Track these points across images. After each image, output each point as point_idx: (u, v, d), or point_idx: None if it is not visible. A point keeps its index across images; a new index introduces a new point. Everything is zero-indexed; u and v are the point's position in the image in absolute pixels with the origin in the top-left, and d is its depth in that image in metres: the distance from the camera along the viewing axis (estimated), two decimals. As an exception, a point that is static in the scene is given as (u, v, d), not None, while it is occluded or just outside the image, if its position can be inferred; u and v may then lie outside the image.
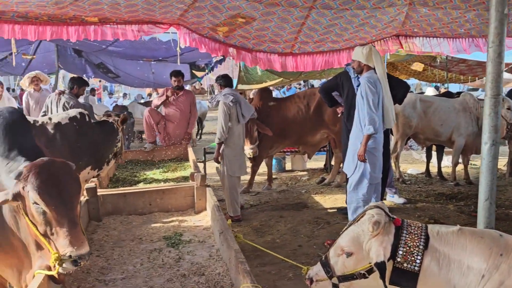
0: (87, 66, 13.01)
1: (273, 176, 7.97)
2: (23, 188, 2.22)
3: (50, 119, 4.85)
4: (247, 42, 7.45)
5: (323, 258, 2.72)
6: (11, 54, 12.00)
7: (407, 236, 2.38)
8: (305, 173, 8.09)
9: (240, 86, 13.96)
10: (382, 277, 2.30)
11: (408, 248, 2.33)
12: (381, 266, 2.31)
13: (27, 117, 4.95)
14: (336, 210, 5.81)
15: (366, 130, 4.46)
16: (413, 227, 2.41)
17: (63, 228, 2.18)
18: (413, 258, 2.32)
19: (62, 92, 6.30)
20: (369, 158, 4.54)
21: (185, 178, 5.52)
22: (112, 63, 12.66)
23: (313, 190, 6.91)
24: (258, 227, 5.42)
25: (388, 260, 2.31)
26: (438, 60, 11.20)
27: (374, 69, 4.67)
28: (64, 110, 5.83)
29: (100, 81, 18.18)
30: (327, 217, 5.58)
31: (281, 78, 15.19)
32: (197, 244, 3.71)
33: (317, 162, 9.00)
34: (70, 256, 2.17)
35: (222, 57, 12.70)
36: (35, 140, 2.75)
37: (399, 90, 5.07)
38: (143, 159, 6.73)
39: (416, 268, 2.31)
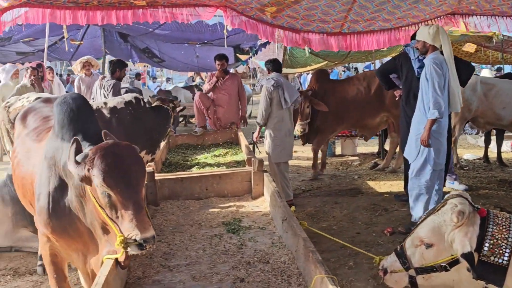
0: (132, 51, 13.11)
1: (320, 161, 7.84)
2: (88, 170, 2.19)
3: (105, 103, 4.85)
4: (295, 23, 7.26)
5: (398, 249, 2.58)
6: (60, 39, 12.25)
7: (494, 227, 2.22)
8: (355, 158, 7.89)
9: (285, 70, 13.77)
10: (472, 267, 2.15)
11: (495, 240, 2.18)
12: (469, 257, 2.17)
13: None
14: (393, 196, 5.61)
15: (431, 114, 4.24)
16: (500, 218, 2.25)
17: (128, 211, 2.14)
18: (501, 251, 2.16)
19: (104, 77, 6.36)
20: (433, 143, 4.33)
21: (238, 163, 5.44)
22: (157, 48, 12.70)
23: (366, 176, 6.72)
24: (313, 213, 5.30)
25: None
26: (494, 40, 10.65)
27: (439, 50, 4.42)
28: (105, 94, 5.90)
29: (144, 66, 18.31)
30: (384, 204, 5.40)
31: (326, 62, 14.91)
32: (257, 230, 3.62)
33: (368, 147, 8.78)
34: (135, 240, 2.13)
35: (267, 40, 12.60)
36: (99, 125, 2.72)
37: (463, 71, 4.79)
38: (194, 144, 6.69)
39: (505, 262, 2.16)
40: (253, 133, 7.36)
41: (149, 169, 4.22)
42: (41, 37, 10.82)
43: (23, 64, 12.44)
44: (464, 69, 4.83)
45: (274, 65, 6.03)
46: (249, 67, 19.68)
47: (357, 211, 5.22)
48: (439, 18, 7.47)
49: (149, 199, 4.16)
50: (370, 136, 7.26)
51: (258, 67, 18.27)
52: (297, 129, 6.32)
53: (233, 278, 2.84)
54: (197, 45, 12.58)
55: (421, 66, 4.83)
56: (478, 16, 7.14)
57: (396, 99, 5.33)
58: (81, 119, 2.61)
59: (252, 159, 4.34)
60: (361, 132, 7.10)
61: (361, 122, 6.73)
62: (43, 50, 12.50)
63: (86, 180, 2.22)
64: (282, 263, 3.01)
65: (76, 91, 8.15)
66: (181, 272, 2.96)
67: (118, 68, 6.26)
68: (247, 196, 4.39)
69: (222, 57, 7.21)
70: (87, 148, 2.37)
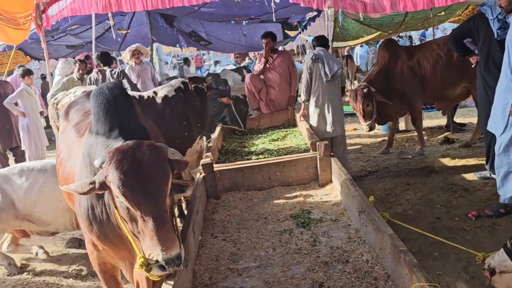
0: (179, 36, 12.94)
1: (385, 138, 7.33)
2: (105, 177, 1.90)
3: (155, 92, 4.59)
4: None
5: (509, 245, 2.17)
6: (107, 30, 12.21)
7: None
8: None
9: (336, 44, 13.18)
10: None
11: None
12: None
13: (131, 92, 4.81)
14: (472, 174, 5.08)
15: (523, 80, 3.71)
16: None
17: (149, 226, 1.84)
18: None
19: (102, 70, 6.57)
20: (524, 114, 3.79)
21: (298, 147, 5.08)
22: (203, 30, 12.45)
23: (437, 152, 6.18)
24: (383, 197, 4.88)
25: None
26: None
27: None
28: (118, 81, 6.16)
29: (198, 50, 18.18)
30: (463, 183, 4.89)
31: (379, 32, 14.17)
32: (330, 223, 3.27)
33: (431, 119, 8.18)
34: (156, 261, 1.81)
35: (316, 14, 12.05)
36: (138, 119, 2.44)
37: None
38: (249, 128, 6.36)
39: None
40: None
41: (207, 160, 3.95)
42: (87, 24, 10.81)
43: (74, 58, 12.51)
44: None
45: (319, 41, 5.87)
46: (297, 44, 19.14)
47: (433, 193, 4.75)
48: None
49: (209, 192, 3.88)
50: (449, 109, 6.65)
51: (307, 42, 17.67)
52: (366, 129, 5.95)
53: (311, 283, 2.51)
54: (244, 23, 12.23)
55: (502, 27, 4.27)
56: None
57: (472, 66, 4.76)
58: (118, 111, 2.35)
59: (318, 143, 3.97)
60: (439, 105, 6.50)
61: (441, 93, 6.14)
62: (91, 42, 12.59)
63: (107, 188, 1.96)
64: (365, 263, 2.64)
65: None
66: (251, 276, 2.66)
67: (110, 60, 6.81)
68: (314, 184, 4.04)
69: (267, 35, 6.79)
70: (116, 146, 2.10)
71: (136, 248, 1.93)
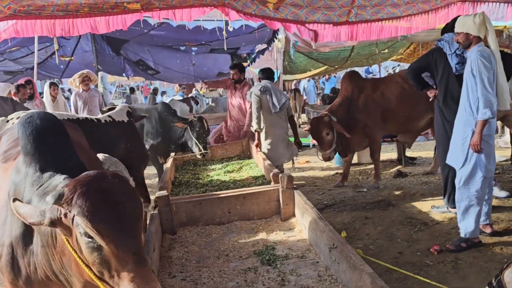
0: (126, 65, 12.61)
1: (339, 171, 7.31)
2: (65, 215, 1.62)
3: (110, 116, 4.36)
4: (299, 12, 6.84)
5: (494, 283, 2.06)
6: (50, 56, 11.70)
7: None
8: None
9: (284, 77, 13.32)
10: None
11: None
12: None
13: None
14: (430, 208, 5.06)
15: (482, 114, 3.73)
16: None
17: (127, 266, 1.58)
18: None
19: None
20: (484, 148, 3.81)
21: (256, 179, 4.90)
22: (151, 58, 12.21)
23: (392, 186, 6.17)
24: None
25: None
26: (505, 35, 10.21)
27: (483, 41, 3.92)
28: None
29: (145, 80, 17.85)
30: (421, 217, 4.85)
31: (326, 66, 14.51)
32: (297, 260, 3.07)
33: (382, 153, 8.26)
34: None
35: (265, 46, 12.13)
36: (76, 153, 2.13)
37: (508, 65, 4.27)
38: (202, 159, 6.12)
39: None
40: None
41: (163, 192, 3.67)
42: (28, 45, 10.29)
43: (13, 83, 11.87)
44: (509, 62, 4.31)
45: (265, 73, 6.00)
46: (246, 77, 19.20)
47: (393, 227, 4.67)
48: (449, 6, 7.06)
49: (164, 227, 3.59)
50: (413, 142, 6.69)
51: (255, 75, 17.78)
52: (325, 159, 5.92)
53: (284, 328, 2.29)
54: (193, 52, 12.10)
55: (460, 62, 4.34)
56: (491, 4, 6.71)
57: (430, 100, 4.80)
58: (51, 144, 2.05)
59: (280, 175, 3.79)
60: (403, 137, 6.53)
61: (406, 125, 6.16)
62: (31, 68, 12.01)
63: (63, 227, 1.66)
64: (341, 304, 2.46)
65: (72, 107, 7.59)
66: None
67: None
68: (276, 217, 3.85)
69: (235, 66, 7.00)
70: (61, 183, 1.81)
71: None
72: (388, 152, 8.17)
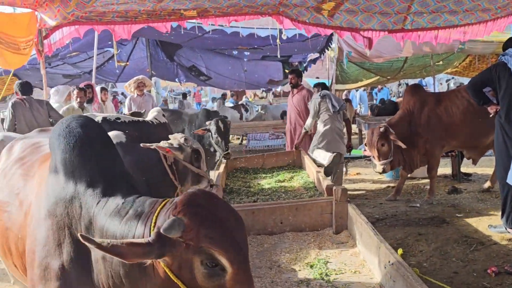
0: (179, 70, 12.91)
1: (391, 185, 7.17)
2: (187, 245, 1.52)
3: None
4: (354, 20, 6.81)
5: None
6: (107, 61, 12.12)
7: None
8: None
9: (336, 86, 13.20)
10: None
11: None
12: None
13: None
14: (487, 227, 4.88)
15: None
16: None
17: None
18: None
19: (26, 98, 6.36)
20: (548, 167, 3.65)
21: (307, 189, 4.87)
22: (204, 64, 12.43)
23: (446, 202, 5.99)
24: (395, 247, 4.62)
25: None
26: None
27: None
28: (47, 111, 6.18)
29: (197, 86, 18.22)
30: (478, 236, 4.68)
31: (378, 77, 14.31)
32: (350, 275, 3.03)
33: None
34: None
35: (317, 56, 12.09)
36: (123, 162, 2.05)
37: None
38: (253, 167, 6.15)
39: None
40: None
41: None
42: (88, 51, 10.70)
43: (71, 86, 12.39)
44: None
45: (320, 86, 6.78)
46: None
47: (448, 245, 4.53)
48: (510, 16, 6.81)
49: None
50: (479, 158, 6.44)
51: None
52: (379, 170, 5.85)
53: None
54: (245, 59, 12.21)
55: (525, 77, 4.18)
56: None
57: (491, 115, 4.64)
58: (98, 154, 1.93)
59: (334, 187, 3.75)
60: (469, 154, 6.31)
61: (473, 141, 5.96)
62: (89, 72, 12.52)
63: (172, 257, 1.55)
64: (397, 324, 2.40)
65: (126, 111, 7.83)
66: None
67: (31, 88, 6.51)
68: (328, 230, 3.80)
69: (292, 71, 7.43)
70: (146, 203, 1.72)
71: None
72: (442, 167, 7.94)
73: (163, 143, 3.35)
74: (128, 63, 12.18)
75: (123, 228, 1.68)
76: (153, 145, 3.41)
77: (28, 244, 1.96)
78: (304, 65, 12.73)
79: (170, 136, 3.85)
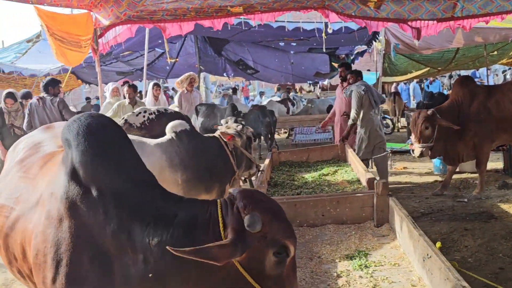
0: (227, 65, 13.12)
1: (438, 179, 7.06)
2: (260, 240, 1.68)
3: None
4: (401, 10, 6.70)
5: None
6: (158, 58, 12.50)
7: None
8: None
9: (384, 79, 13.02)
10: None
11: None
12: None
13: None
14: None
15: None
16: None
17: (294, 273, 1.82)
18: None
19: (41, 98, 6.75)
20: None
21: (350, 183, 4.91)
22: (251, 58, 12.59)
23: (495, 197, 5.86)
24: (438, 241, 4.60)
25: None
26: None
27: None
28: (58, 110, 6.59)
29: (246, 80, 18.45)
30: (527, 233, 4.59)
31: (428, 68, 13.94)
32: (390, 267, 3.07)
33: (488, 162, 7.84)
34: None
35: (365, 48, 11.97)
36: (141, 160, 2.01)
37: None
38: (298, 161, 6.24)
39: None
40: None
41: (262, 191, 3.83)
42: (140, 50, 11.10)
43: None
44: None
45: (359, 75, 6.89)
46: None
47: (494, 241, 4.46)
48: None
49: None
50: None
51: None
52: (416, 153, 5.76)
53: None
54: (291, 52, 12.26)
55: None
56: None
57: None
58: (117, 153, 1.90)
59: (375, 181, 3.80)
60: None
61: None
62: (141, 69, 12.93)
63: (249, 253, 1.67)
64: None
65: (177, 106, 8.09)
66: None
67: (50, 86, 6.82)
68: (369, 223, 3.84)
69: (342, 65, 7.64)
70: (186, 210, 1.78)
71: None
72: (493, 161, 7.73)
73: (226, 130, 3.53)
74: (178, 59, 12.50)
75: (177, 234, 1.71)
76: (217, 132, 3.60)
77: (37, 245, 1.84)
78: (352, 57, 12.62)
79: (225, 124, 4.04)
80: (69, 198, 1.81)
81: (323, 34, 8.20)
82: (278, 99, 14.84)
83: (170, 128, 4.08)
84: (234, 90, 17.33)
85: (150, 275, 1.70)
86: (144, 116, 5.05)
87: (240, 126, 4.44)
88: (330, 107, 13.02)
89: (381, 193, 3.72)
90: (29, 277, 2.04)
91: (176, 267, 1.69)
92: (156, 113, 5.09)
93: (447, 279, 2.46)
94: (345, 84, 7.17)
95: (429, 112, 5.62)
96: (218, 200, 1.80)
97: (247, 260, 1.68)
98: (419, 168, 7.64)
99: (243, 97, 19.31)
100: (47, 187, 1.95)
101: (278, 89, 16.52)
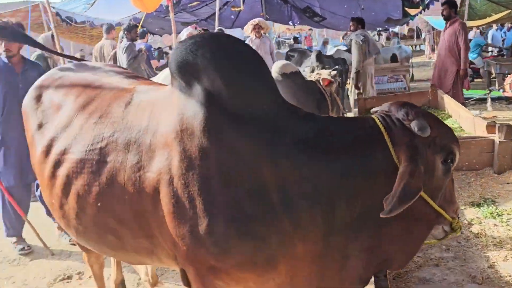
0: (293, 13, 12.74)
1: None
2: (430, 146, 1.55)
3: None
4: None
5: None
6: (224, 5, 12.26)
7: None
8: None
9: (463, 23, 12.21)
10: None
11: None
12: None
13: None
14: None
15: None
16: None
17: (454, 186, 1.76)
18: None
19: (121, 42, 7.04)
20: None
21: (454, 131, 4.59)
22: (318, 5, 12.11)
23: None
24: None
25: None
26: None
27: None
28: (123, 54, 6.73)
29: (310, 29, 18.00)
30: None
31: (509, 10, 12.94)
32: (522, 217, 2.83)
33: None
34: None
35: (442, -7, 11.18)
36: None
37: None
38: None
39: None
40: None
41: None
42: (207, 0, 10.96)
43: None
44: None
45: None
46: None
47: None
48: None
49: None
50: None
51: (427, 24, 16.58)
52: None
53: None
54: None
55: None
56: None
57: None
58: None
59: (497, 125, 3.49)
60: None
61: None
62: (205, 19, 12.78)
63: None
64: None
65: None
66: (452, 269, 2.32)
67: (127, 31, 6.93)
68: (488, 170, 3.57)
69: (446, 2, 6.72)
70: (344, 128, 1.62)
71: (447, 215, 1.66)
72: None
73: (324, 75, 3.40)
74: (242, 8, 12.21)
75: (353, 155, 1.55)
76: (317, 76, 3.47)
77: (176, 192, 1.58)
78: (426, 2, 11.85)
79: (318, 71, 3.91)
80: (215, 130, 1.54)
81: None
82: (345, 48, 14.31)
83: (279, 68, 3.97)
84: (295, 39, 16.90)
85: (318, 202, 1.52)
86: None
87: (334, 72, 4.37)
88: (394, 56, 12.46)
89: (505, 137, 3.42)
90: (136, 240, 1.80)
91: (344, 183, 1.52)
92: None
93: None
94: (447, 24, 6.57)
95: None
96: (374, 116, 1.63)
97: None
98: (510, 117, 7.16)
99: (306, 47, 18.82)
100: (164, 127, 1.65)
101: (343, 38, 15.90)
